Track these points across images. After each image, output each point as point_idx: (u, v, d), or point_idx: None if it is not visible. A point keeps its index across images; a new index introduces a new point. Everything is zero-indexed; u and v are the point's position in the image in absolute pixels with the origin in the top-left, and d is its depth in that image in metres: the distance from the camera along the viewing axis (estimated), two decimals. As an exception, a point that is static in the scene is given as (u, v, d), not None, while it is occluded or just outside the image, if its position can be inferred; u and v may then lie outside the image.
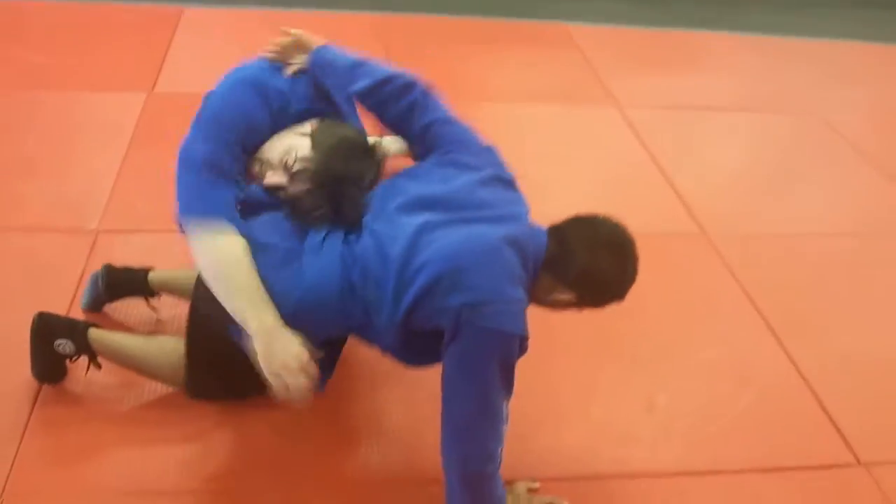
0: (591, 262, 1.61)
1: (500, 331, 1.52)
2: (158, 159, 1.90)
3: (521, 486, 1.83)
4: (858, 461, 2.05)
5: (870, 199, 3.27)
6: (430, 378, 1.64)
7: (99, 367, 1.95)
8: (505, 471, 1.77)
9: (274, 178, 1.72)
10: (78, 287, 2.27)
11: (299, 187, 1.71)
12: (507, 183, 1.82)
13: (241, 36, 3.72)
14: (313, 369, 1.59)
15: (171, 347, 1.92)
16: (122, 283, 2.17)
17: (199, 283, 1.72)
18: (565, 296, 1.66)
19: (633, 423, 2.09)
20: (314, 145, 1.70)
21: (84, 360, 1.95)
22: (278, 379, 1.57)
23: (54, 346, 1.90)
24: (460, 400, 1.56)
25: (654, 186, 3.13)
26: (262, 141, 1.74)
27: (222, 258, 1.61)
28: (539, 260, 1.62)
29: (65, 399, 1.97)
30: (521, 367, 2.14)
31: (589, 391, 2.17)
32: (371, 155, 1.78)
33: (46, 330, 1.91)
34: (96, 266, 2.31)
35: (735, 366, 2.31)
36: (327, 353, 1.75)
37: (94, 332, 1.93)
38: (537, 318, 2.32)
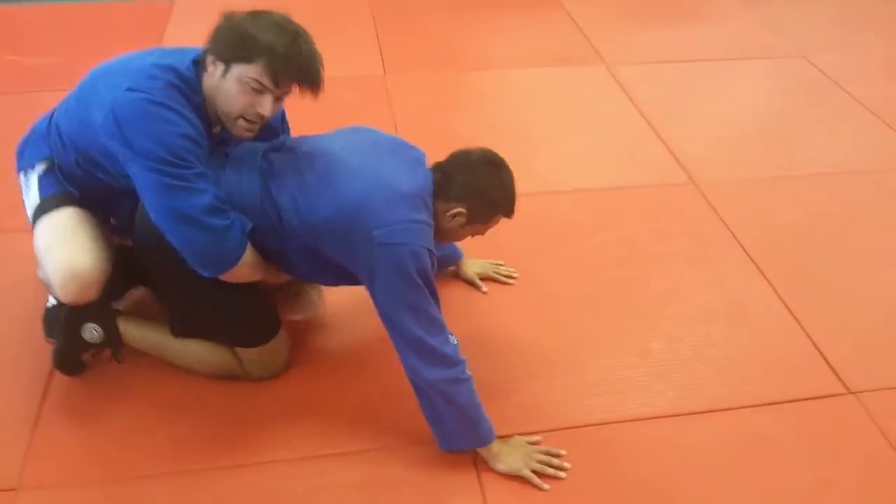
0: (470, 175, 1.85)
1: (409, 244, 1.71)
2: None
3: (518, 439, 1.91)
4: (848, 390, 2.11)
5: (859, 138, 3.29)
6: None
7: (120, 360, 2.02)
8: (501, 424, 1.87)
9: (268, 105, 1.74)
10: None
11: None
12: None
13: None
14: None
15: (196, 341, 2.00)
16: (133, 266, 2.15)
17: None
18: (458, 209, 1.83)
19: (628, 371, 2.15)
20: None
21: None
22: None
23: (82, 330, 1.94)
24: (402, 320, 1.73)
25: (643, 140, 3.17)
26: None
27: (241, 274, 1.82)
28: (431, 193, 1.83)
29: (75, 387, 2.02)
30: (516, 320, 2.26)
31: (584, 343, 2.23)
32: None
33: (78, 312, 1.94)
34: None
35: (727, 308, 2.37)
36: None
37: (122, 319, 1.99)
38: (531, 274, 2.42)
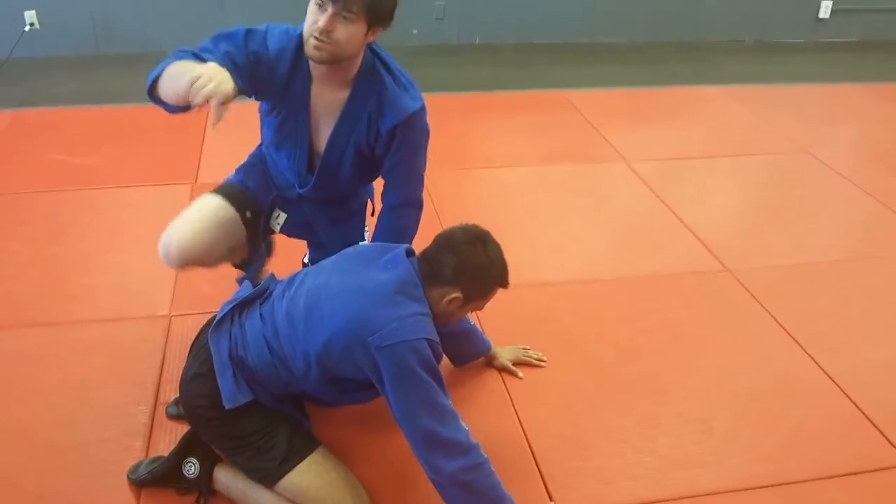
0: (458, 258, 1.86)
1: (405, 341, 1.74)
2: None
3: None
4: (908, 461, 2.23)
5: (870, 225, 3.51)
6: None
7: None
8: (583, 500, 1.96)
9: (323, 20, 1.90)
10: (162, 369, 2.43)
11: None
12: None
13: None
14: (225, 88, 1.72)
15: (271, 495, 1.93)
16: None
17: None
18: (454, 294, 1.86)
19: (696, 447, 2.25)
20: None
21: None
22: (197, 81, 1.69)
23: (185, 461, 1.99)
24: (414, 416, 1.77)
25: (674, 231, 3.35)
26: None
27: (171, 71, 1.82)
28: (418, 283, 1.85)
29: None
30: (583, 402, 2.36)
31: (650, 421, 2.33)
32: None
33: (189, 445, 2.02)
34: (174, 349, 2.50)
35: (778, 386, 2.49)
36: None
37: (219, 466, 2.01)
38: (588, 358, 2.53)
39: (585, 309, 2.82)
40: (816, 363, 2.59)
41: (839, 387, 2.49)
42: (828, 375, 2.54)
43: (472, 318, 2.50)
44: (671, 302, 2.88)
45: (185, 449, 2.02)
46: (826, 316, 2.84)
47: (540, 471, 2.13)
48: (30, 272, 2.91)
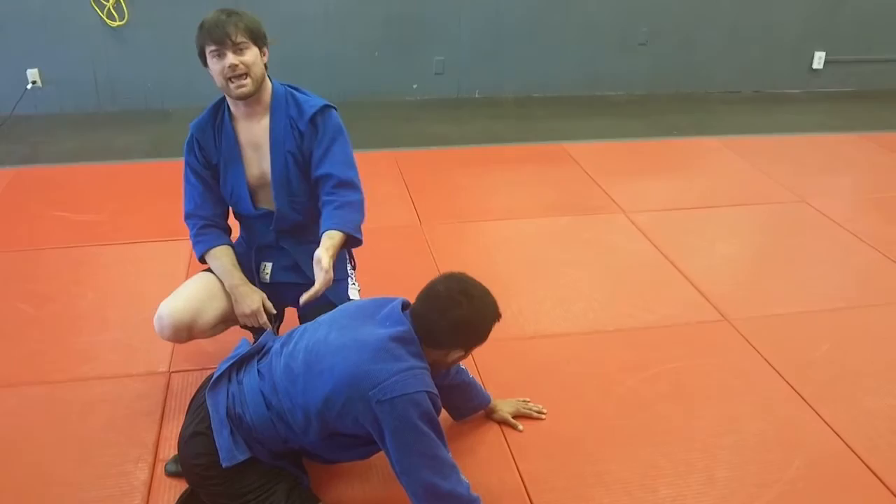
0: (448, 321, 1.86)
1: (405, 394, 1.76)
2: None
3: None
4: (913, 512, 2.21)
5: (868, 273, 3.52)
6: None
7: None
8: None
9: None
10: (161, 426, 2.43)
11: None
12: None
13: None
14: (263, 317, 2.38)
15: None
16: None
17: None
18: (457, 354, 1.93)
19: (697, 498, 2.23)
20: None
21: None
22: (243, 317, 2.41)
23: None
24: (415, 470, 1.79)
25: (673, 282, 3.37)
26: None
27: (216, 266, 2.45)
28: (415, 339, 1.87)
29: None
30: (584, 453, 2.34)
31: (651, 471, 2.32)
32: None
33: (191, 501, 2.05)
34: (174, 406, 2.51)
35: (779, 436, 2.48)
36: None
37: None
38: (591, 408, 2.52)
39: (585, 360, 2.82)
40: (816, 413, 2.58)
41: (840, 437, 2.47)
42: (828, 425, 2.52)
43: (472, 371, 2.50)
44: (671, 353, 2.88)
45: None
46: (825, 365, 2.84)
47: (540, 525, 2.12)
48: (31, 330, 2.93)
